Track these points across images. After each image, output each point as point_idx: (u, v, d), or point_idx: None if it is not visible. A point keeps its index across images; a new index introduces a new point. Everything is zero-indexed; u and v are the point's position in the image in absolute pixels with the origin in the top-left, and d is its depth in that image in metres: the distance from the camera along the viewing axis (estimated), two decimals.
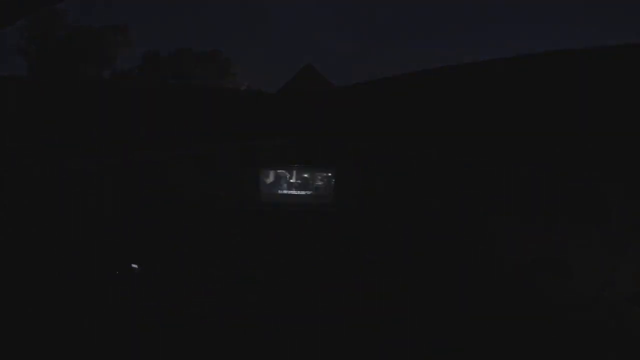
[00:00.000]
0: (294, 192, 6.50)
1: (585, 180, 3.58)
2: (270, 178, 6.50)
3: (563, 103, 3.74)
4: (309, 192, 6.54)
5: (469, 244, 4.48)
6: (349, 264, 4.78)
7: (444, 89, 4.72)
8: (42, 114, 4.78)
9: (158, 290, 4.01)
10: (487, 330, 3.41)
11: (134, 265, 4.31)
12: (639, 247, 3.22)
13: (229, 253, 4.98)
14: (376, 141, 5.38)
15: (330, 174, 6.20)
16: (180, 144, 5.25)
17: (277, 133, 5.62)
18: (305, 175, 6.84)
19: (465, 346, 3.20)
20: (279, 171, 6.52)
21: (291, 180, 6.76)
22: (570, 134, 3.68)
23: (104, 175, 4.95)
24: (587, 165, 3.58)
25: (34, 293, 3.76)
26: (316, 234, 5.40)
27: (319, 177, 6.70)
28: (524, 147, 4.02)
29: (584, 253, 3.54)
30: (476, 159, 4.42)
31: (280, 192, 6.51)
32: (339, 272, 4.57)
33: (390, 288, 4.19)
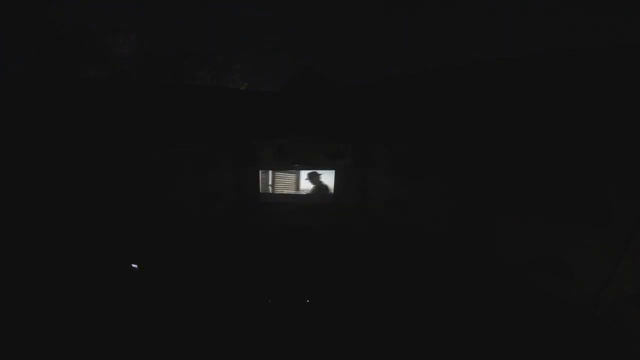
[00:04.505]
0: (294, 192, 6.50)
1: (585, 180, 3.58)
2: (270, 178, 6.50)
3: (563, 102, 3.74)
4: (309, 192, 6.54)
5: (468, 244, 4.48)
6: (349, 263, 4.78)
7: (443, 89, 4.73)
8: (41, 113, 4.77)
9: (158, 290, 4.01)
10: (486, 330, 3.41)
11: (134, 265, 4.31)
12: (639, 247, 3.22)
13: (229, 252, 4.98)
14: (376, 141, 5.39)
15: (330, 174, 6.20)
16: (180, 143, 5.25)
17: (277, 133, 5.62)
18: (306, 175, 6.84)
19: (465, 346, 3.20)
20: (279, 171, 6.51)
21: (291, 181, 6.76)
22: (570, 133, 3.68)
23: (104, 174, 4.94)
24: (587, 165, 3.58)
25: (33, 292, 3.75)
26: (316, 234, 5.40)
27: (319, 177, 6.69)
28: (524, 147, 4.02)
29: (584, 253, 3.54)
30: (476, 159, 4.43)
31: (280, 192, 6.51)
32: (339, 272, 4.57)
33: (390, 287, 4.19)
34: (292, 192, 6.48)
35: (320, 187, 6.54)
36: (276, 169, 6.30)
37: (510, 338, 3.27)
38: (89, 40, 11.18)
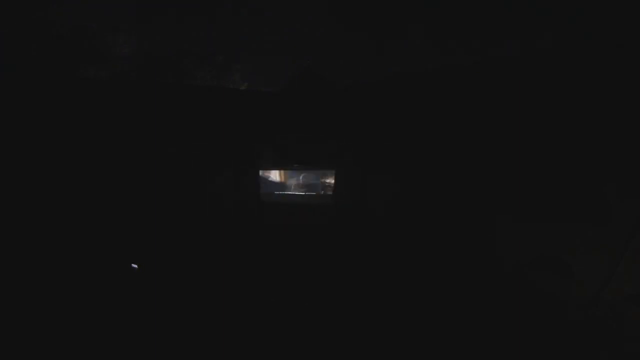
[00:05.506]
0: (293, 192, 6.51)
1: (585, 180, 3.58)
2: (270, 178, 6.50)
3: (563, 102, 3.74)
4: (309, 192, 6.55)
5: (469, 244, 4.48)
6: (349, 263, 4.78)
7: (443, 89, 4.73)
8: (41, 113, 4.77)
9: (158, 289, 4.01)
10: (487, 329, 3.41)
11: (134, 265, 4.31)
12: (639, 247, 3.22)
13: (230, 251, 4.98)
14: (376, 141, 5.38)
15: (330, 174, 6.20)
16: (180, 143, 5.25)
17: (277, 133, 5.62)
18: (305, 175, 6.84)
19: (465, 345, 3.20)
20: (279, 171, 6.52)
21: (291, 180, 6.77)
22: (570, 133, 3.68)
23: (104, 173, 4.94)
24: (587, 165, 3.58)
25: (34, 292, 3.76)
26: (316, 233, 5.40)
27: (319, 177, 6.69)
28: (524, 147, 4.02)
29: (584, 253, 3.54)
30: (476, 159, 4.42)
31: (280, 191, 6.52)
32: (339, 272, 4.58)
33: (390, 287, 4.19)
34: (292, 192, 6.48)
35: (318, 187, 6.53)
36: (276, 168, 6.30)
37: (511, 338, 3.28)
38: (89, 40, 11.17)
